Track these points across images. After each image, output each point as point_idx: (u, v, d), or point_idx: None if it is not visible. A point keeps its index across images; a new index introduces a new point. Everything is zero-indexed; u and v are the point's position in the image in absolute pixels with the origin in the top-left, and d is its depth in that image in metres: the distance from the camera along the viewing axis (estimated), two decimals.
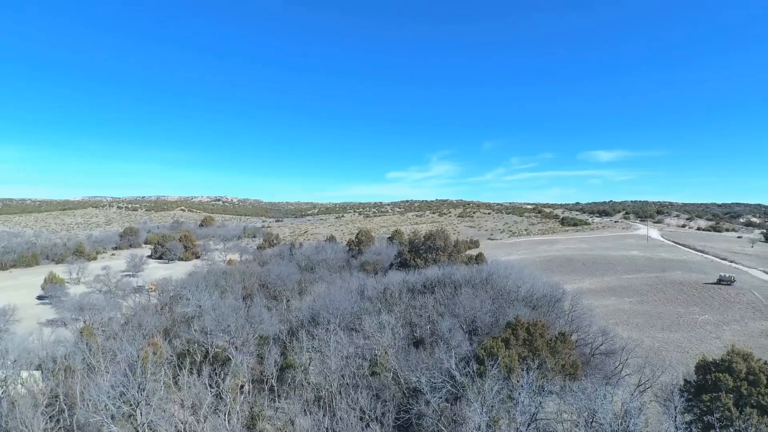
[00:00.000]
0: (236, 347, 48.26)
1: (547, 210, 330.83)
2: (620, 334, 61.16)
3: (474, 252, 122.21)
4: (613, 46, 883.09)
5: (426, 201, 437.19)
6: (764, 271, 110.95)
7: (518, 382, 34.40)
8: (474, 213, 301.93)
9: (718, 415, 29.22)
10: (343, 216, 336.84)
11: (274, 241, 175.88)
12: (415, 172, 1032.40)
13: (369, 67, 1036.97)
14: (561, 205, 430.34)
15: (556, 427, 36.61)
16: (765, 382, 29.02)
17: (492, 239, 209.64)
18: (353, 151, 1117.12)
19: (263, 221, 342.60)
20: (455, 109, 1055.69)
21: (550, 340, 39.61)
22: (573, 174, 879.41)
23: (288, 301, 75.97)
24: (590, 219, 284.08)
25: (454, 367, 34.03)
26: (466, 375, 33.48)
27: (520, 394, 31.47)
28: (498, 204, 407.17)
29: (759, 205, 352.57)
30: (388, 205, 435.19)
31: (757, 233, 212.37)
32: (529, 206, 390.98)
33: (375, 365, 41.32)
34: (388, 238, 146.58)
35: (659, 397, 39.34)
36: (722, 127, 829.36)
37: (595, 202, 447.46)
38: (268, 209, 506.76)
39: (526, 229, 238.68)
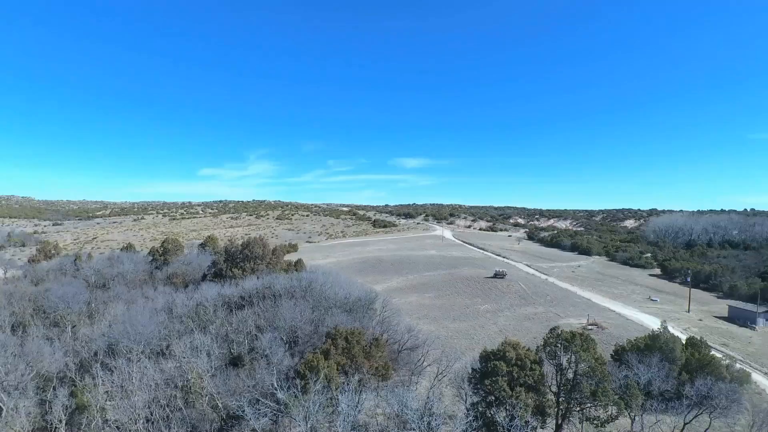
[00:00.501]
0: (7, 392, 39.33)
1: (361, 212, 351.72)
2: (422, 328, 69.22)
3: (293, 257, 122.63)
4: (419, 65, 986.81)
5: (242, 202, 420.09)
6: (527, 265, 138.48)
7: (337, 389, 36.42)
8: (293, 215, 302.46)
9: (496, 395, 35.89)
10: (143, 218, 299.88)
11: (52, 252, 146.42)
12: (232, 169, 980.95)
13: (182, 49, 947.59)
14: (373, 207, 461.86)
15: (370, 422, 39.96)
16: (529, 365, 36.80)
17: (310, 242, 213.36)
18: (158, 142, 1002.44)
19: (36, 225, 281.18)
20: (276, 107, 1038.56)
21: (366, 346, 42.81)
22: (384, 178, 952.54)
23: (74, 327, 64.69)
24: (398, 221, 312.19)
25: (276, 385, 34.09)
26: (289, 391, 33.89)
27: (340, 402, 33.44)
28: (316, 206, 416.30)
29: (524, 208, 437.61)
30: (200, 205, 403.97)
31: (522, 232, 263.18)
32: (345, 208, 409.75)
33: (189, 393, 38.55)
34: (200, 244, 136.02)
35: (453, 382, 46.19)
36: (496, 144, 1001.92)
37: (401, 205, 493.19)
38: (42, 209, 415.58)
39: (342, 231, 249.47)
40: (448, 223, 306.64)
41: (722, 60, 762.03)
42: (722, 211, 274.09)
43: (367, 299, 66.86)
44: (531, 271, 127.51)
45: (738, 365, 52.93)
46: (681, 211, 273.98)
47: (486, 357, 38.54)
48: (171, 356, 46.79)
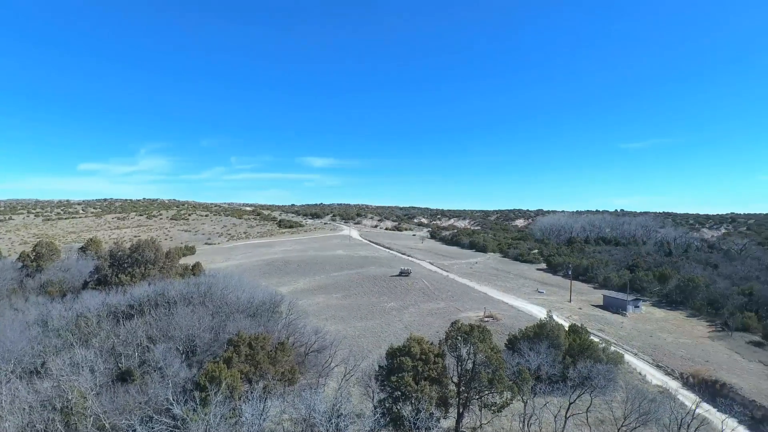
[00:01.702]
0: None
1: (266, 212, 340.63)
2: (330, 328, 68.97)
3: (190, 260, 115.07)
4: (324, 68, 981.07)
5: (131, 200, 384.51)
6: (430, 263, 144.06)
7: (241, 399, 34.77)
8: (190, 215, 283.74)
9: (402, 390, 36.76)
10: (11, 218, 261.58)
11: None
12: (118, 164, 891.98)
13: (62, 34, 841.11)
14: (279, 207, 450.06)
15: (277, 429, 38.74)
16: (433, 359, 38.24)
17: (210, 244, 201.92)
18: (27, 132, 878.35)
19: None
20: (171, 99, 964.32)
21: (271, 351, 41.43)
22: (290, 177, 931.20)
23: None
24: (304, 221, 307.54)
25: (172, 399, 31.61)
26: (187, 405, 31.62)
27: (244, 411, 31.93)
28: (216, 205, 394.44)
29: (427, 208, 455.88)
30: (80, 204, 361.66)
31: (425, 232, 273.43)
32: (248, 208, 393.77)
33: (71, 415, 34.22)
34: (81, 248, 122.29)
35: (361, 381, 46.53)
36: (401, 146, 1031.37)
37: (308, 205, 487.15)
38: None
39: (245, 232, 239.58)
40: (355, 223, 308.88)
41: (598, 78, 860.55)
42: (597, 211, 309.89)
43: (272, 302, 64.89)
44: (434, 268, 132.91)
45: (613, 348, 59.92)
46: (563, 211, 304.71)
47: (392, 354, 39.33)
48: (47, 375, 41.35)
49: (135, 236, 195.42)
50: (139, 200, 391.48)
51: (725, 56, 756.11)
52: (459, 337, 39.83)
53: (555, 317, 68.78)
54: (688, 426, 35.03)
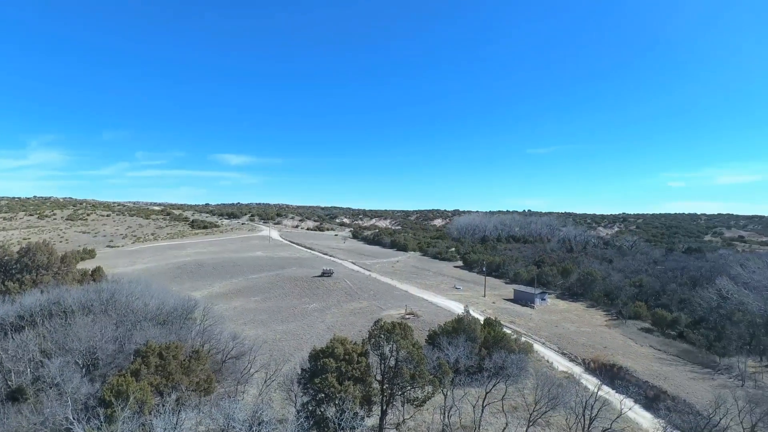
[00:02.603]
0: None
1: (177, 212, 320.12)
2: (249, 333, 66.54)
3: (90, 265, 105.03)
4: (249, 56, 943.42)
5: (20, 198, 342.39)
6: (353, 263, 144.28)
7: (152, 413, 32.33)
8: (89, 215, 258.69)
9: (326, 392, 36.38)
10: None
11: None
12: (4, 158, 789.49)
13: None
14: (191, 206, 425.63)
15: None
16: (356, 358, 38.26)
17: (112, 246, 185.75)
18: None
19: None
20: (67, 88, 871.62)
21: (184, 361, 38.99)
22: (204, 174, 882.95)
23: None
24: (220, 221, 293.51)
25: (72, 418, 28.56)
26: (90, 423, 28.74)
27: (155, 427, 29.68)
28: (119, 204, 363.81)
29: (349, 208, 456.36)
30: None
31: (347, 231, 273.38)
32: (156, 207, 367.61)
33: None
34: None
35: (283, 386, 45.36)
36: (322, 144, 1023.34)
37: (224, 204, 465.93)
38: None
39: (153, 233, 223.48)
40: (275, 224, 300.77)
41: (506, 85, 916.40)
42: (508, 211, 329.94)
43: (184, 309, 61.11)
44: (356, 268, 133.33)
45: (523, 339, 64.00)
46: (478, 211, 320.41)
47: (315, 355, 38.79)
48: None
49: (24, 239, 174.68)
50: (29, 198, 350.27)
51: (615, 73, 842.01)
52: (382, 336, 40.28)
53: (471, 312, 72.16)
54: (592, 407, 38.35)
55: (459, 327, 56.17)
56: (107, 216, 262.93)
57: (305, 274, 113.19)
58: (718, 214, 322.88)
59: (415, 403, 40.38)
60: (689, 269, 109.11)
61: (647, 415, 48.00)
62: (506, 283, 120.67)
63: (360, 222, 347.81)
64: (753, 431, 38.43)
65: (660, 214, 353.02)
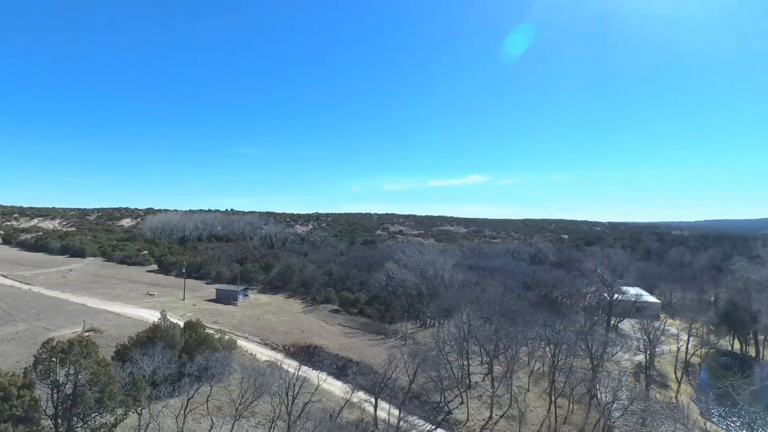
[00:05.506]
0: None
1: None
2: None
3: None
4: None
5: None
6: (4, 275, 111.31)
7: None
8: None
9: None
10: None
11: None
12: None
13: None
14: None
15: None
16: (16, 393, 29.67)
17: None
18: None
19: None
20: None
21: None
22: None
23: None
24: None
25: None
26: None
27: None
28: None
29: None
30: None
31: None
32: None
33: None
34: None
35: None
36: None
37: None
38: None
39: None
40: None
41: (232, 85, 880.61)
42: (210, 210, 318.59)
43: None
44: (9, 282, 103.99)
45: (227, 336, 63.39)
46: (176, 210, 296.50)
47: None
48: None
49: None
50: None
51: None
52: (55, 359, 32.83)
53: (170, 317, 66.76)
54: (294, 386, 41.72)
55: (155, 335, 51.31)
56: None
57: None
58: (386, 214, 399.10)
59: (103, 430, 34.63)
60: (366, 257, 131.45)
61: (338, 383, 55.56)
62: (208, 283, 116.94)
63: (15, 223, 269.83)
64: (414, 376, 50.05)
65: (344, 213, 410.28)
